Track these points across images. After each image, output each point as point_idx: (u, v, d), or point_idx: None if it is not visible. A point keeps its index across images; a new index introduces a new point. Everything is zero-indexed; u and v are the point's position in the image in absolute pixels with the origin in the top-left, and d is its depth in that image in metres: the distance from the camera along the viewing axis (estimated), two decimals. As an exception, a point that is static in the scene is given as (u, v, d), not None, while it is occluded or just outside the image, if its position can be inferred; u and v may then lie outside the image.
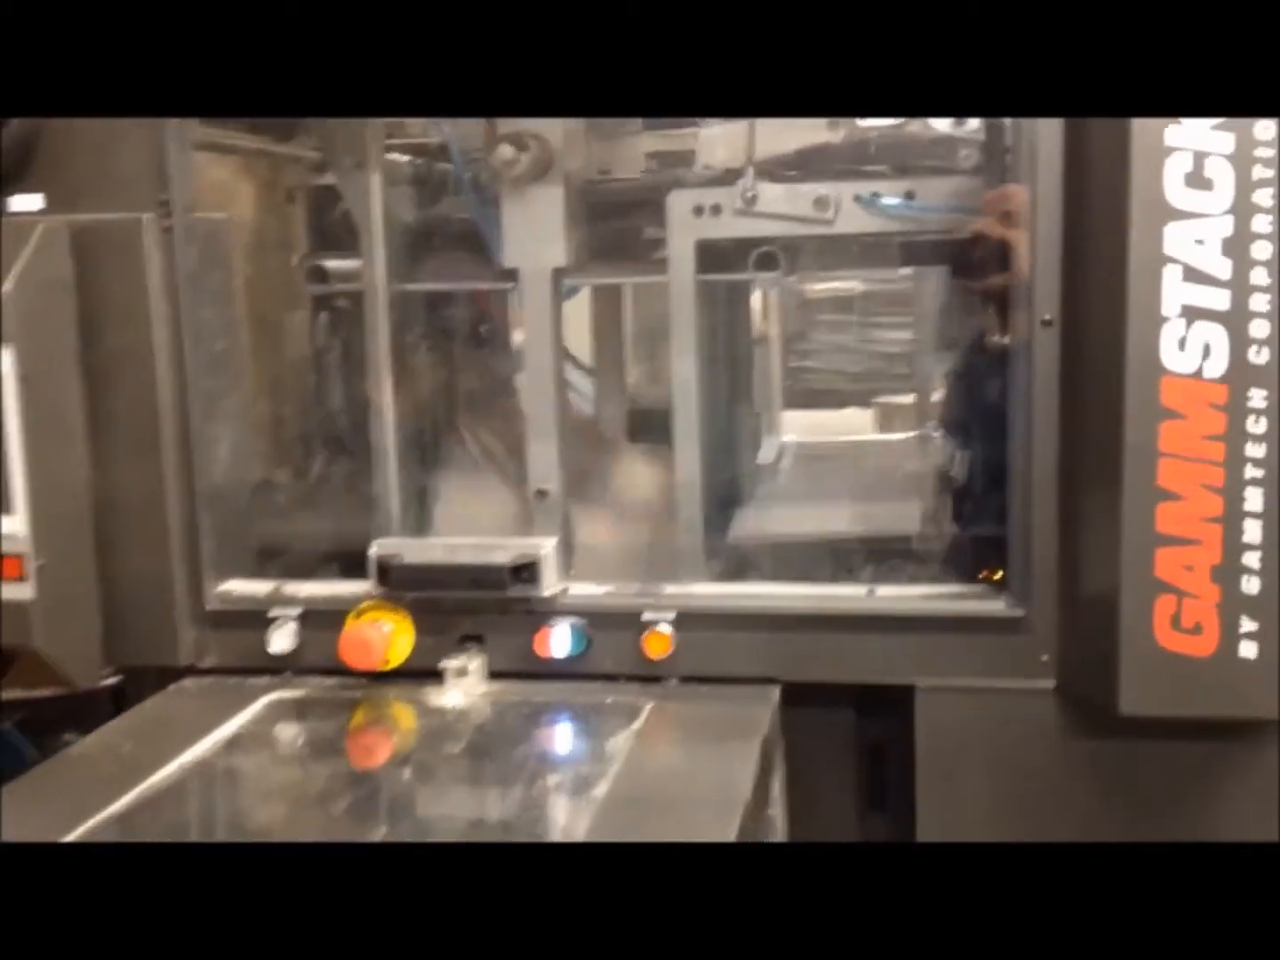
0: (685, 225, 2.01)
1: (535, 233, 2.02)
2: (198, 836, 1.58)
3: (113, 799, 1.54)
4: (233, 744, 1.74)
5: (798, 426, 4.17)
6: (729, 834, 1.41)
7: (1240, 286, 1.55)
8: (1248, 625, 1.59)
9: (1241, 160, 1.53)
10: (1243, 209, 1.54)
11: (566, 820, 1.53)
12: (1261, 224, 1.54)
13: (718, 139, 2.19)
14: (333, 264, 2.28)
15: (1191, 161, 1.54)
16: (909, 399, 3.49)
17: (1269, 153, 1.53)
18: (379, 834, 1.53)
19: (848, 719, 1.97)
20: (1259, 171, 1.53)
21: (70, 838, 1.45)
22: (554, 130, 2.01)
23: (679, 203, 2.02)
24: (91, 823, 1.49)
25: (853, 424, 3.90)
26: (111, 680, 2.00)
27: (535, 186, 2.01)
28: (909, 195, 1.97)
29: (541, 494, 2.05)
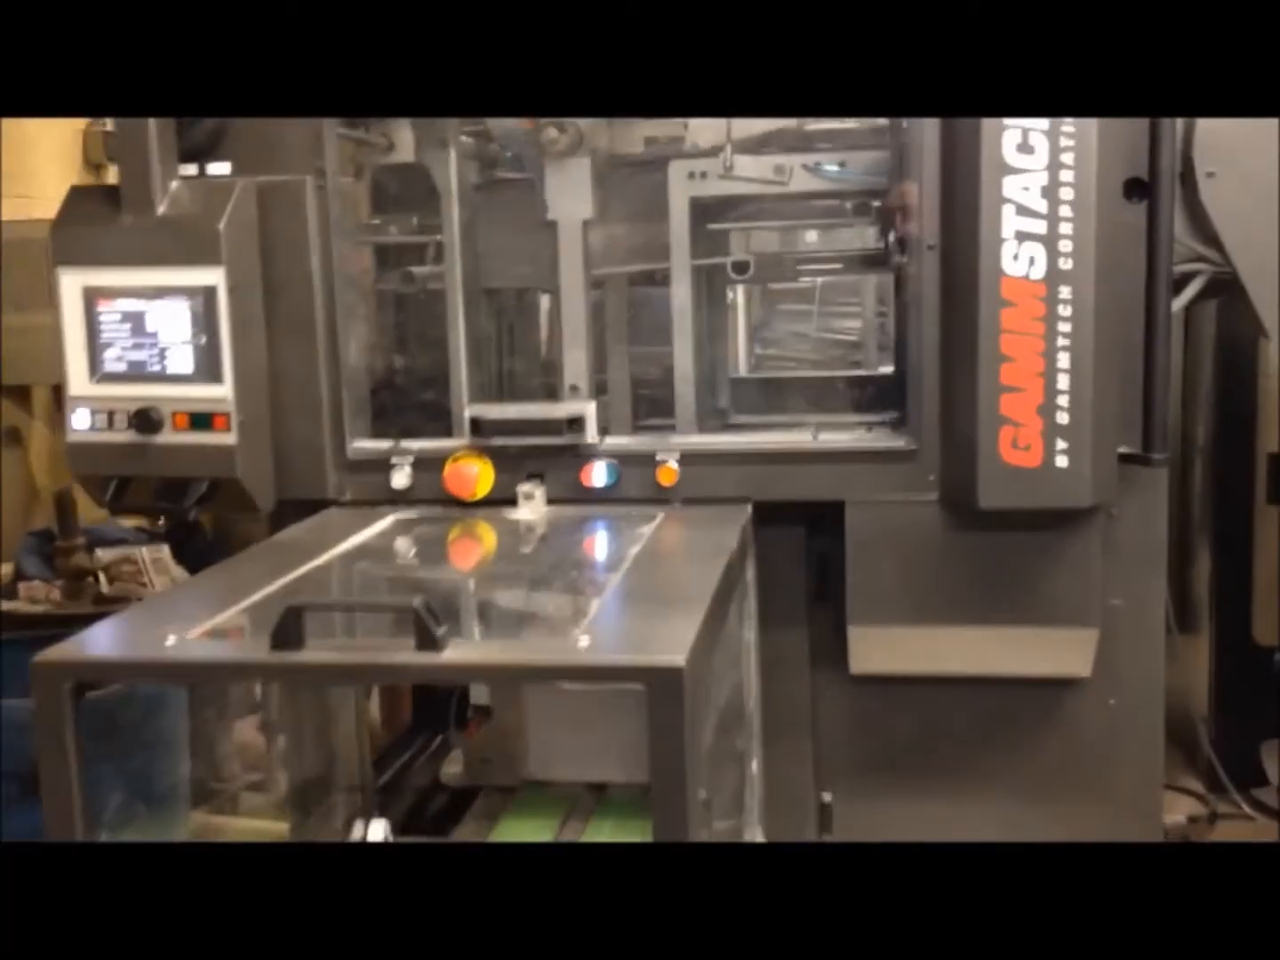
0: (682, 185, 2.77)
1: (570, 193, 2.75)
2: (353, 587, 2.31)
3: (305, 562, 2.24)
4: (379, 536, 2.46)
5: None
6: (719, 568, 2.11)
7: (1053, 218, 2.28)
8: (1060, 445, 2.32)
9: (1053, 133, 2.27)
10: (1054, 166, 2.28)
11: (608, 567, 2.25)
12: (1067, 176, 2.27)
13: (704, 126, 2.95)
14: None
15: (1021, 135, 2.28)
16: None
17: (1070, 128, 2.28)
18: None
19: (801, 535, 2.70)
20: (1064, 141, 2.27)
21: (284, 581, 2.12)
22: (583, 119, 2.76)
23: (677, 169, 2.78)
24: (297, 573, 2.18)
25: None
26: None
27: (570, 158, 2.75)
28: (842, 164, 2.75)
29: (575, 388, 2.79)
